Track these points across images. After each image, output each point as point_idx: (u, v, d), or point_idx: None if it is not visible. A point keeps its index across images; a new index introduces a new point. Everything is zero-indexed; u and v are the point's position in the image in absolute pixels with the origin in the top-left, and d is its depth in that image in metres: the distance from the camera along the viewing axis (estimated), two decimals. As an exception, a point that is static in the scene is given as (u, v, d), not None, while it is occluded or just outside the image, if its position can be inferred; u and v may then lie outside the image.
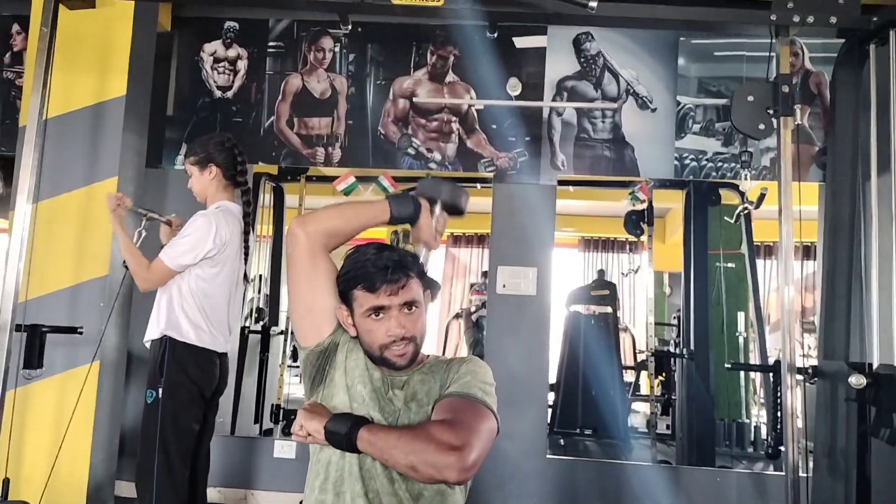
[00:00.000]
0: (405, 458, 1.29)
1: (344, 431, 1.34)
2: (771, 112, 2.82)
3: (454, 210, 1.68)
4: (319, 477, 1.43)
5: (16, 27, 4.17)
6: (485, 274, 7.49)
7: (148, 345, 2.64)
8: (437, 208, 1.65)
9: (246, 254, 2.81)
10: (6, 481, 2.69)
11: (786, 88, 2.78)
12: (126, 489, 3.84)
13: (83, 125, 3.47)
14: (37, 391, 3.23)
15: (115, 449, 3.58)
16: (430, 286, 1.55)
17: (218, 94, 4.23)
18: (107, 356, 3.38)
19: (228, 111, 4.22)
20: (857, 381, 2.18)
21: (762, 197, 4.32)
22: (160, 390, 2.52)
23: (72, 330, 3.06)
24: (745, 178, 3.96)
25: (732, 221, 4.86)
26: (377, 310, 1.43)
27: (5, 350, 2.69)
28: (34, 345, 2.93)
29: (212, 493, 3.95)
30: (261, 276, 5.55)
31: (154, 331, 2.61)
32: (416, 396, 1.45)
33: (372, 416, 1.40)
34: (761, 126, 2.84)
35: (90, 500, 3.29)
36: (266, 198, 5.45)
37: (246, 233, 2.80)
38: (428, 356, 1.56)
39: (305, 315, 1.48)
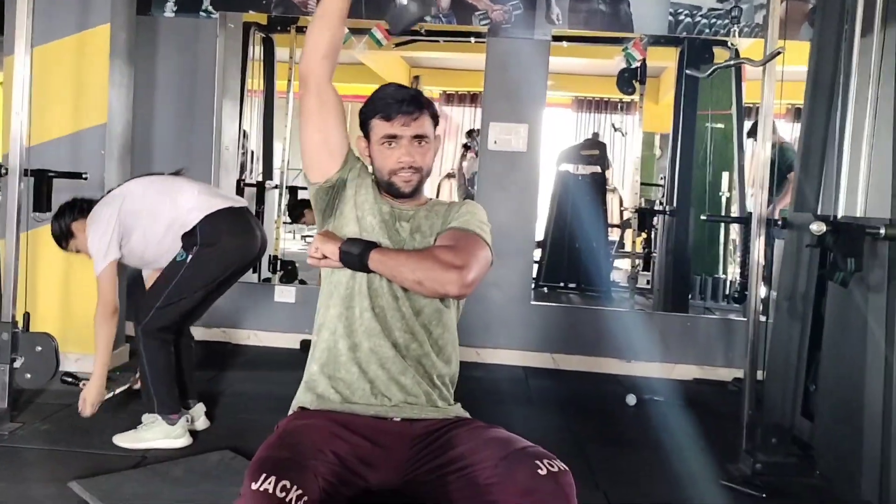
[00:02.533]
0: (412, 275, 1.46)
1: (357, 252, 1.49)
2: (765, -34, 2.81)
3: None
4: (332, 296, 1.58)
5: None
6: (469, 133, 7.54)
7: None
8: None
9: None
10: (27, 315, 2.88)
11: (781, -59, 2.76)
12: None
13: (73, -31, 3.41)
14: (47, 233, 3.36)
15: (124, 289, 3.77)
16: None
17: (208, -63, 4.10)
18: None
19: (218, -44, 4.11)
20: (817, 227, 2.34)
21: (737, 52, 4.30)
22: (190, 255, 2.63)
23: (77, 175, 3.16)
24: (736, 35, 3.96)
25: (706, 77, 4.86)
26: (391, 138, 1.57)
27: (16, 194, 2.80)
28: (42, 190, 3.04)
29: (217, 332, 4.25)
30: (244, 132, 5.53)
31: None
32: (421, 228, 1.60)
33: (381, 243, 1.55)
34: (755, -20, 2.84)
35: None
36: (256, 50, 5.38)
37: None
38: (430, 199, 1.71)
39: (315, 151, 1.58)
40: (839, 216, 2.55)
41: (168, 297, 2.64)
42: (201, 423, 2.88)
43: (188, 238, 2.65)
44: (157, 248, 2.73)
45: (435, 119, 1.62)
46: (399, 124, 1.55)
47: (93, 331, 2.70)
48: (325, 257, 1.53)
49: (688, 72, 4.34)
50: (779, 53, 2.80)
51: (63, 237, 2.79)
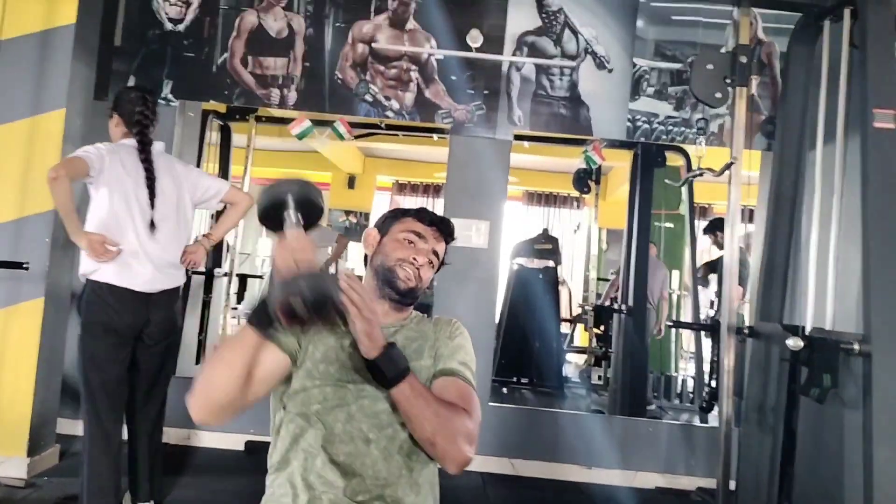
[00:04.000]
0: (431, 430, 1.33)
1: (402, 366, 1.34)
2: (728, 81, 2.91)
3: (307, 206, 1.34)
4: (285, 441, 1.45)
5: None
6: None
7: None
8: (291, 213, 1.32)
9: (150, 188, 2.70)
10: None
11: (744, 59, 2.88)
12: (68, 427, 3.80)
13: (30, 52, 3.29)
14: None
15: (58, 386, 3.52)
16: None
17: (169, 26, 4.06)
18: (51, 292, 3.29)
19: (180, 45, 4.06)
20: (794, 343, 2.33)
21: (729, 165, 4.45)
22: (79, 332, 2.60)
23: (17, 265, 2.97)
24: (701, 144, 4.07)
25: (679, 186, 5.01)
26: (418, 237, 1.55)
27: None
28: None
29: (156, 432, 3.95)
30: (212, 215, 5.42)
31: (79, 273, 2.67)
32: (405, 350, 1.45)
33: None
34: (718, 94, 2.94)
35: (33, 437, 3.24)
36: (213, 136, 5.31)
37: (147, 169, 2.72)
38: (412, 313, 1.61)
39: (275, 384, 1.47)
40: (808, 328, 2.55)
41: (84, 386, 2.59)
42: None
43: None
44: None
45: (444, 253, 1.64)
46: (431, 234, 1.57)
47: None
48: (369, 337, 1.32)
49: (667, 182, 4.44)
50: (732, 164, 2.87)
51: (109, 112, 2.86)
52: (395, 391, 1.34)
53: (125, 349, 2.66)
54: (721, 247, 5.45)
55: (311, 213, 1.33)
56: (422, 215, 1.60)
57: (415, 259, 1.52)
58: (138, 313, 2.65)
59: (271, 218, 1.31)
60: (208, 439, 4.01)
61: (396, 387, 1.33)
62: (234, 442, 3.95)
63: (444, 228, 1.59)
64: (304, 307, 1.18)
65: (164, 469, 3.11)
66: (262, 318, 1.29)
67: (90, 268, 2.60)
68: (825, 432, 2.52)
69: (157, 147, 2.80)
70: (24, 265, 2.98)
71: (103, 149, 2.68)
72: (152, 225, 2.68)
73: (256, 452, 3.80)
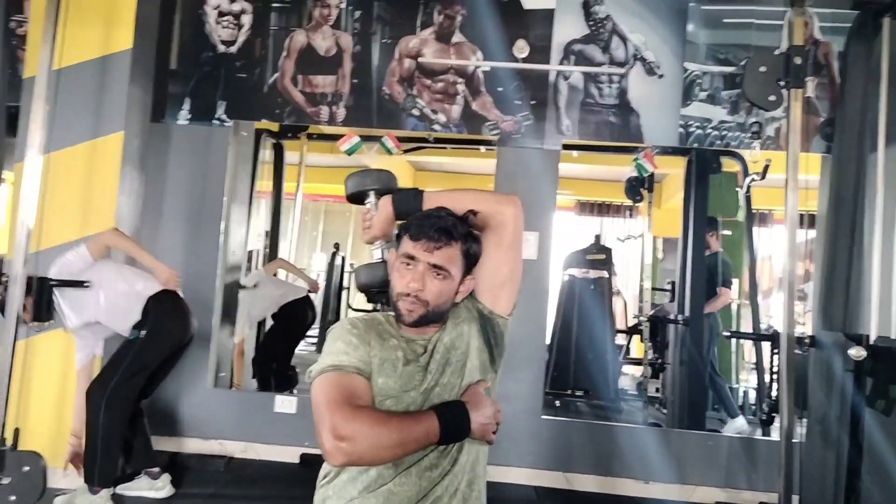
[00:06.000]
0: (470, 203, 1.58)
1: (411, 192, 1.60)
2: (782, 83, 2.83)
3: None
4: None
5: (15, -26, 4.09)
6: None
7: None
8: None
9: None
10: (16, 431, 2.72)
11: (798, 60, 2.79)
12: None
13: (89, 78, 3.43)
14: (43, 343, 3.25)
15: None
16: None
17: (222, 48, 4.17)
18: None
19: (232, 66, 4.17)
20: (857, 353, 2.24)
21: (766, 168, 4.35)
22: (142, 333, 3.01)
23: (78, 284, 3.07)
24: (756, 149, 3.97)
25: (743, 191, 4.89)
26: (409, 258, 1.49)
27: (17, 302, 2.70)
28: (42, 298, 2.94)
29: (213, 444, 4.04)
30: (267, 231, 5.57)
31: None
32: (449, 359, 1.51)
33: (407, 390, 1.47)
34: (771, 97, 2.85)
35: (96, 450, 3.34)
36: (266, 154, 5.42)
37: None
38: (446, 317, 1.58)
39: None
40: (872, 337, 2.44)
41: (125, 371, 2.97)
42: (166, 491, 3.27)
43: (142, 315, 3.05)
44: (112, 308, 3.07)
45: (469, 256, 1.53)
46: (421, 248, 1.47)
47: None
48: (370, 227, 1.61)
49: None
50: (767, 166, 2.78)
51: None
52: (425, 201, 1.58)
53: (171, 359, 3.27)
54: (708, 245, 5.43)
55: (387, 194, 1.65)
56: (415, 231, 1.50)
57: (409, 287, 1.48)
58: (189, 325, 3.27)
59: (356, 198, 1.71)
60: (265, 452, 4.06)
61: (424, 198, 1.58)
62: (290, 455, 4.00)
63: (438, 237, 1.48)
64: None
65: (222, 481, 3.55)
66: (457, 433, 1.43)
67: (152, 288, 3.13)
68: (893, 445, 2.41)
69: None
70: (86, 283, 3.07)
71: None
72: None
73: (311, 465, 3.84)
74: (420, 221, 1.50)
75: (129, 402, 3.06)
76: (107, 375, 3.02)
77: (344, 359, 1.44)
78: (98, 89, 3.42)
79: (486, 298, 1.56)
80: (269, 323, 5.15)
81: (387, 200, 1.58)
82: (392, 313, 1.55)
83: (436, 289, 1.48)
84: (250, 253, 5.69)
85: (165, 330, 3.09)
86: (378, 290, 1.64)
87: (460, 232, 1.51)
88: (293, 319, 5.08)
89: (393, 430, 1.32)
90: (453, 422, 1.39)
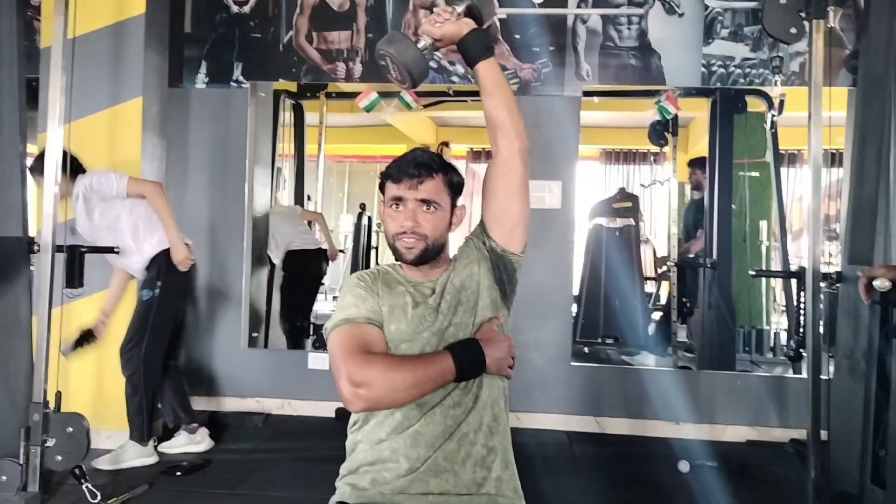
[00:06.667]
0: (508, 105, 1.55)
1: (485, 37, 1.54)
2: (803, 15, 2.75)
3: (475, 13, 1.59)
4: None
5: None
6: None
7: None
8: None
9: None
10: (58, 395, 2.81)
11: (820, -11, 2.70)
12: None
13: (104, 45, 3.46)
14: (78, 309, 3.34)
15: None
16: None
17: (235, 8, 4.17)
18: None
19: (246, 27, 4.17)
20: (881, 283, 2.21)
21: (781, 103, 4.27)
22: (156, 290, 3.18)
23: (109, 250, 3.14)
24: (776, 84, 3.88)
25: (769, 128, 4.81)
26: (397, 201, 1.52)
27: (49, 270, 2.77)
28: (74, 264, 3.01)
29: (250, 402, 4.15)
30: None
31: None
32: (460, 300, 1.54)
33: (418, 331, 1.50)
34: (793, 30, 2.77)
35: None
36: (286, 116, 5.43)
37: None
38: (449, 256, 1.63)
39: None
40: (900, 269, 2.40)
41: (154, 329, 3.18)
42: (205, 445, 3.46)
43: (149, 270, 3.21)
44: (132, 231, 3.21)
45: (452, 186, 1.55)
46: (405, 187, 1.50)
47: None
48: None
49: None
50: (782, 101, 2.71)
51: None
52: (487, 61, 1.52)
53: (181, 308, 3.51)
54: (697, 186, 5.57)
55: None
56: (396, 172, 1.52)
57: (403, 226, 1.50)
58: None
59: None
60: (301, 408, 4.17)
61: (488, 56, 1.52)
62: (325, 409, 4.10)
63: (418, 172, 1.50)
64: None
65: (261, 437, 3.72)
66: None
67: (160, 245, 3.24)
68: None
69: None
70: (116, 249, 3.14)
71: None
72: None
73: (345, 418, 3.93)
74: (398, 163, 1.53)
75: (162, 356, 3.27)
76: (137, 335, 3.19)
77: (354, 311, 1.48)
78: (114, 56, 3.45)
79: (499, 237, 1.57)
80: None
81: (469, 23, 1.54)
82: (398, 263, 1.58)
83: (429, 222, 1.51)
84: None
85: (175, 284, 3.26)
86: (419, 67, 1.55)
87: (439, 164, 1.54)
88: (304, 272, 5.13)
89: (407, 372, 1.36)
90: (468, 359, 1.42)
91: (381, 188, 1.56)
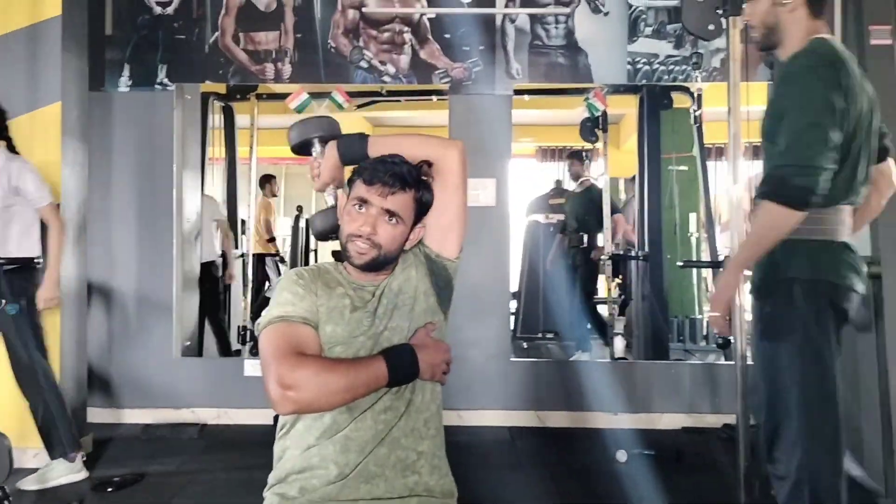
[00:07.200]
0: (415, 149, 1.57)
1: (357, 138, 1.59)
2: (720, 12, 2.83)
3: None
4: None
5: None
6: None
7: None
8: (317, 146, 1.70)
9: None
10: (-21, 413, 2.70)
11: (735, -13, 2.78)
12: (98, 415, 3.91)
13: (19, 48, 3.32)
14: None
15: (83, 376, 3.61)
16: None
17: (158, 9, 4.06)
18: (66, 286, 3.35)
19: (170, 28, 4.06)
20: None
21: (700, 97, 4.44)
22: (22, 302, 2.98)
23: (29, 261, 3.02)
24: (697, 80, 3.99)
25: (694, 123, 4.96)
26: (362, 202, 1.48)
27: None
28: (-8, 278, 2.89)
29: (185, 413, 4.06)
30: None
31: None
32: (398, 305, 1.52)
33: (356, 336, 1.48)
34: (711, 27, 2.85)
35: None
36: (216, 119, 5.32)
37: None
38: (395, 263, 1.59)
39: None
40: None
41: (35, 339, 3.01)
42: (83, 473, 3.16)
43: (10, 279, 2.97)
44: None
45: (421, 204, 1.53)
46: (375, 192, 1.47)
47: None
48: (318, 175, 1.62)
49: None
50: (700, 95, 2.73)
51: None
52: (370, 147, 1.56)
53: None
54: (575, 176, 5.96)
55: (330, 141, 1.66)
56: (370, 174, 1.49)
57: (361, 230, 1.47)
58: None
59: (301, 148, 1.71)
60: (238, 417, 4.09)
61: (369, 144, 1.57)
62: (263, 417, 4.02)
63: (393, 182, 1.47)
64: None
65: (196, 448, 3.53)
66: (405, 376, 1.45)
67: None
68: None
69: None
70: (36, 260, 3.02)
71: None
72: None
73: (284, 424, 3.87)
74: (374, 166, 1.49)
75: (47, 360, 3.09)
76: (23, 351, 2.99)
77: (290, 309, 1.44)
78: (30, 59, 3.31)
79: (432, 242, 1.57)
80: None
81: (332, 146, 1.58)
82: (343, 263, 1.56)
83: (388, 234, 1.48)
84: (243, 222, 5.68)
85: (32, 294, 3.03)
86: (335, 236, 1.63)
87: (414, 179, 1.51)
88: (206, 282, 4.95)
89: (340, 375, 1.34)
90: (400, 364, 1.41)
91: (349, 182, 1.54)
